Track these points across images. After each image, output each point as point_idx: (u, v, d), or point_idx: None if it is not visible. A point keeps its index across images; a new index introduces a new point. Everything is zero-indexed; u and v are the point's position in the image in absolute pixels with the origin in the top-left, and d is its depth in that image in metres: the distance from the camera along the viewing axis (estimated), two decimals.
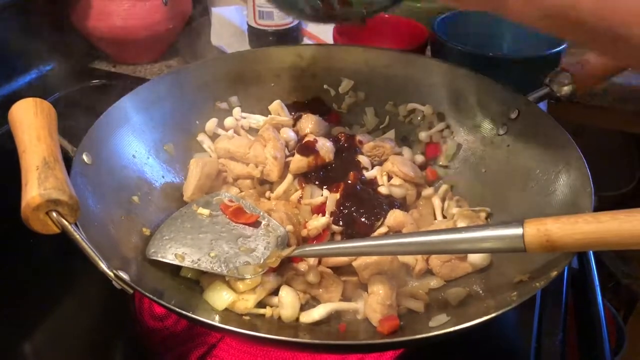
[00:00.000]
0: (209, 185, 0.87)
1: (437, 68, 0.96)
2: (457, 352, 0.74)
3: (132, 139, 0.85)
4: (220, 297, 0.72)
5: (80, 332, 0.79)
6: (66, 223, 0.58)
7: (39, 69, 1.23)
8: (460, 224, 0.80)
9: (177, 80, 0.93)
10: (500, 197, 0.84)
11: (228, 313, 0.72)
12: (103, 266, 0.58)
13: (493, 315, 0.58)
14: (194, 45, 1.37)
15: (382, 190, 0.86)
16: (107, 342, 0.78)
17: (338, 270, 0.77)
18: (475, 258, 0.75)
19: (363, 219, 0.81)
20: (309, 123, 0.94)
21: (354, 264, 0.75)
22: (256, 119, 0.97)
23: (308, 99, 1.01)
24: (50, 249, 0.85)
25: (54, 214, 0.58)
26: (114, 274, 0.59)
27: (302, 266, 0.76)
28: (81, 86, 1.20)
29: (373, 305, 0.71)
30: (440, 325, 0.67)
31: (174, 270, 0.75)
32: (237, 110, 0.97)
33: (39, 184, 0.58)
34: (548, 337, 0.77)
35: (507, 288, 0.67)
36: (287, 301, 0.72)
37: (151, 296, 0.59)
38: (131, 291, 0.60)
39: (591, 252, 1.00)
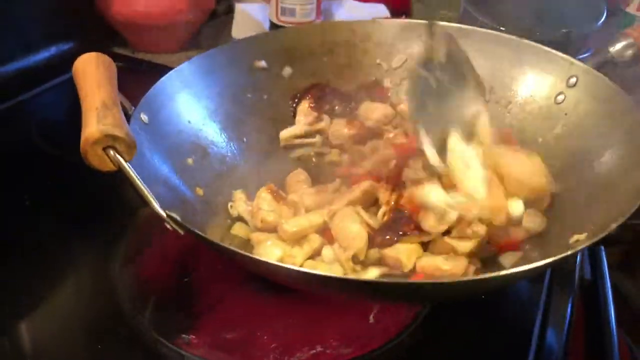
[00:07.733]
0: None
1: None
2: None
3: (189, 105, 0.83)
4: (271, 253, 0.71)
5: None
6: (122, 160, 0.59)
7: (58, 46, 1.18)
8: None
9: (232, 52, 0.90)
10: None
11: None
12: (156, 205, 0.58)
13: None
14: (215, 38, 1.36)
15: None
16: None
17: None
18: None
19: None
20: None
21: None
22: None
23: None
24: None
25: (111, 152, 0.58)
26: (166, 214, 0.58)
27: None
28: None
29: None
30: None
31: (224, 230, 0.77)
32: None
33: (98, 120, 0.60)
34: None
35: None
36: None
37: (204, 236, 0.59)
38: (182, 232, 0.59)
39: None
